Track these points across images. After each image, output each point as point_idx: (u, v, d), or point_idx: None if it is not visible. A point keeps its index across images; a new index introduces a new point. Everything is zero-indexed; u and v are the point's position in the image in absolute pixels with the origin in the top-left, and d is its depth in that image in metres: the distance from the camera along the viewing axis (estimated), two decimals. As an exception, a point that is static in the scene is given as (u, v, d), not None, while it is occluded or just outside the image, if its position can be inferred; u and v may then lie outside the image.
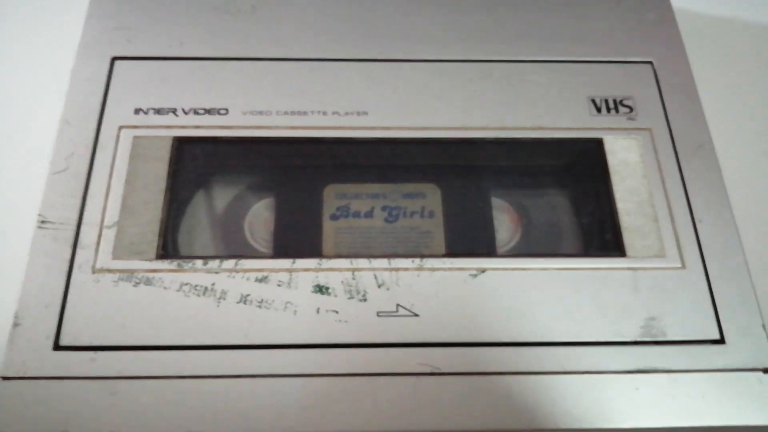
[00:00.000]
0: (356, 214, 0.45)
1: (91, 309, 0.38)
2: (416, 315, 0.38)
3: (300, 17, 0.49)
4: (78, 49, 0.47)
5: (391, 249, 0.44)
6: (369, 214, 0.45)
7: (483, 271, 0.40)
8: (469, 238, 0.44)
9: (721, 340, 0.38)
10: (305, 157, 0.46)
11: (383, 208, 0.46)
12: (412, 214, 0.45)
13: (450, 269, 0.40)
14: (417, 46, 0.48)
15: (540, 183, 0.48)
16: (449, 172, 0.47)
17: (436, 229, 0.45)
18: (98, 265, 0.39)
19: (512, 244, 0.46)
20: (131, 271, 0.39)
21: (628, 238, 0.41)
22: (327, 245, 0.44)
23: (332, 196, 0.46)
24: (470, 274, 0.40)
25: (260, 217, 0.46)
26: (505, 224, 0.46)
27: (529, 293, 0.39)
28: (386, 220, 0.45)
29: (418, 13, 0.49)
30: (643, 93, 0.46)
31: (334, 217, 0.45)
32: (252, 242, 0.45)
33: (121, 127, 0.44)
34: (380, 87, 0.46)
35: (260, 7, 0.49)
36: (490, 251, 0.44)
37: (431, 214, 0.45)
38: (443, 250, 0.44)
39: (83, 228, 0.40)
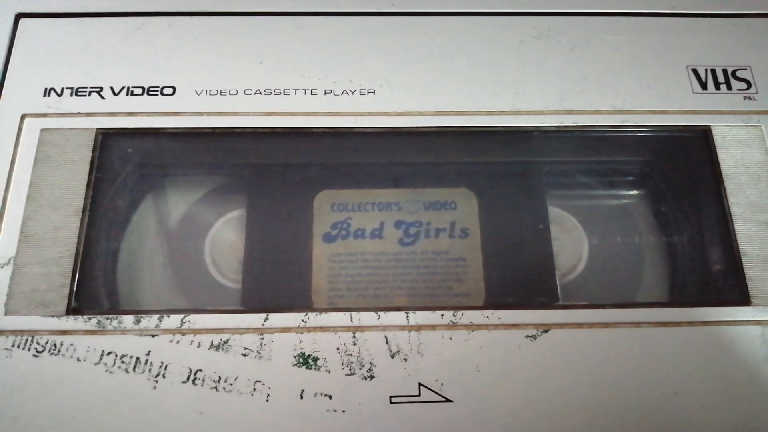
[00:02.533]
0: (359, 234, 0.32)
1: (-31, 392, 0.26)
2: (448, 400, 0.26)
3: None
4: (-31, 1, 0.33)
5: (408, 289, 0.31)
6: (377, 234, 0.32)
7: (546, 330, 0.27)
8: (522, 271, 0.31)
9: None
10: (287, 153, 0.33)
11: (397, 225, 0.33)
12: (438, 232, 0.32)
13: (497, 327, 0.27)
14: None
15: (615, 187, 0.34)
16: (488, 171, 0.33)
17: (472, 256, 0.32)
18: (-17, 324, 0.27)
19: (575, 273, 0.33)
20: (32, 333, 0.27)
21: (754, 277, 0.28)
22: (317, 283, 0.31)
23: (326, 208, 0.33)
24: (527, 335, 0.27)
25: (224, 240, 0.33)
26: (566, 245, 0.33)
27: (617, 364, 0.26)
28: (402, 242, 0.32)
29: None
30: (766, 61, 0.32)
31: (328, 238, 0.32)
32: (216, 276, 0.32)
33: (24, 116, 0.31)
34: (392, 53, 0.32)
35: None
36: (551, 295, 0.30)
37: (465, 233, 0.32)
38: (483, 289, 0.31)
39: (-37, 267, 0.28)
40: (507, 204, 0.33)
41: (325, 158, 0.33)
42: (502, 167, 0.33)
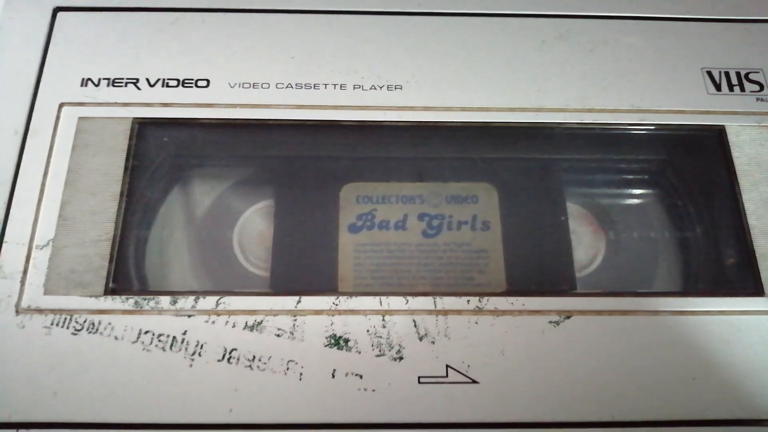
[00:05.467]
0: (384, 225, 0.33)
1: (12, 367, 0.26)
2: (474, 381, 0.27)
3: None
4: (9, -5, 0.35)
5: (432, 276, 0.32)
6: (401, 225, 0.33)
7: (568, 316, 0.28)
8: (541, 262, 0.32)
9: None
10: (315, 145, 0.34)
11: (420, 217, 0.34)
12: (460, 225, 0.33)
13: (521, 313, 0.28)
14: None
15: (632, 184, 0.35)
16: (509, 166, 0.34)
17: (493, 248, 0.33)
18: (24, 303, 0.28)
19: (593, 266, 0.34)
20: (70, 312, 0.28)
21: (767, 269, 0.29)
22: (343, 271, 0.32)
23: (351, 200, 0.34)
24: (550, 321, 0.28)
25: (253, 229, 0.34)
26: (584, 240, 0.34)
27: (635, 349, 0.27)
28: (425, 234, 0.33)
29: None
30: (778, 63, 0.34)
31: (353, 229, 0.33)
32: (244, 263, 0.33)
33: (62, 105, 0.32)
34: (419, 51, 0.34)
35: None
36: (570, 285, 0.31)
37: (486, 226, 0.33)
38: (504, 280, 0.32)
39: (4, 249, 0.29)
40: (527, 198, 0.34)
41: (351, 151, 0.34)
42: (523, 163, 0.34)
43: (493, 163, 0.34)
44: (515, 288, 0.31)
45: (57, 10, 0.34)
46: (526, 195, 0.34)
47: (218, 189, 0.34)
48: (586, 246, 0.34)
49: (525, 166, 0.34)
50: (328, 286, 0.31)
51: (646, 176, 0.35)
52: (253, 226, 0.34)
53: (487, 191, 0.34)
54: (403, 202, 0.34)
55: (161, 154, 0.32)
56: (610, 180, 0.35)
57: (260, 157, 0.34)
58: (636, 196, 0.35)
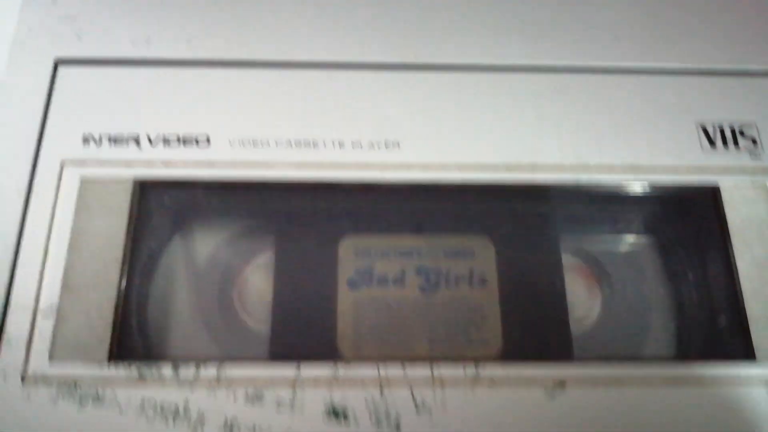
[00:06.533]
0: (382, 281, 0.34)
1: (18, 439, 0.27)
2: (470, 454, 0.27)
3: (310, 6, 0.36)
4: (10, 47, 0.35)
5: (430, 336, 0.33)
6: (399, 280, 0.34)
7: (562, 386, 0.28)
8: (537, 323, 0.33)
9: None
10: (314, 201, 0.34)
11: (418, 271, 0.34)
12: (457, 280, 0.34)
13: (516, 382, 0.29)
14: (468, 47, 0.35)
15: (627, 240, 0.36)
16: (505, 221, 0.35)
17: (489, 304, 0.33)
18: (30, 371, 0.28)
19: (589, 321, 0.34)
20: (74, 379, 0.28)
21: (759, 334, 0.30)
22: (343, 330, 0.32)
23: (350, 253, 0.34)
24: (545, 390, 0.28)
25: (252, 285, 0.34)
26: (579, 296, 0.35)
27: (629, 422, 0.28)
28: (422, 288, 0.34)
29: (468, 3, 0.36)
30: (772, 119, 0.34)
31: (352, 285, 0.34)
32: (244, 319, 0.34)
33: (64, 163, 0.32)
34: (416, 106, 0.34)
35: (256, -11, 0.37)
36: (566, 349, 0.32)
37: (482, 282, 0.34)
38: (500, 339, 0.32)
39: (9, 314, 0.29)
40: (523, 253, 0.34)
41: (350, 206, 0.34)
42: (518, 217, 0.35)
43: (489, 217, 0.35)
44: (511, 348, 0.32)
45: (58, 63, 0.34)
46: (523, 249, 0.34)
47: (217, 245, 0.35)
48: (582, 302, 0.35)
49: (521, 221, 0.35)
50: (328, 349, 0.32)
51: (641, 233, 0.35)
52: (253, 281, 0.34)
53: (483, 245, 0.35)
54: (400, 255, 0.34)
55: (163, 215, 0.33)
56: (605, 236, 0.36)
57: (260, 213, 0.35)
58: (630, 252, 0.36)
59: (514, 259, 0.34)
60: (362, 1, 0.36)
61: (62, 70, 0.34)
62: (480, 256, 0.34)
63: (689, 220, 0.34)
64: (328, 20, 0.36)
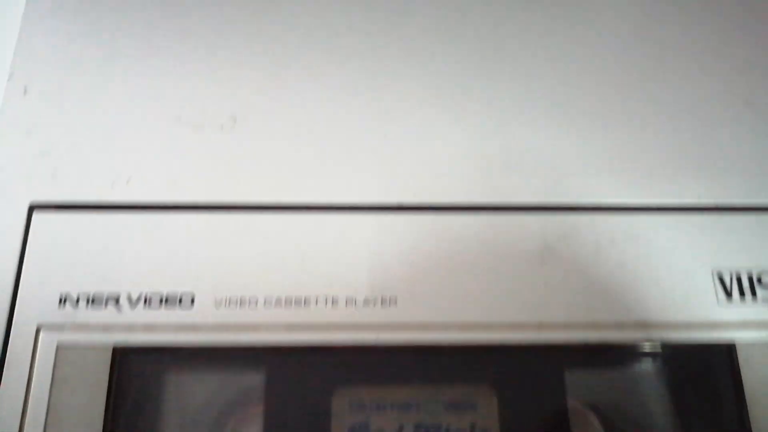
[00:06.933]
0: (379, 439, 0.32)
1: None
2: None
3: (297, 134, 0.34)
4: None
5: None
6: (397, 439, 0.32)
7: None
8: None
9: None
10: (306, 362, 0.32)
11: (417, 427, 0.32)
12: (458, 437, 0.32)
13: None
14: (472, 187, 0.33)
15: (637, 397, 0.34)
16: (509, 371, 0.33)
17: (491, 465, 0.32)
18: None
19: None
20: None
21: None
22: (339, 505, 0.31)
23: (345, 408, 0.32)
24: None
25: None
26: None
27: None
28: (421, 447, 0.32)
29: (470, 141, 0.34)
30: (792, 268, 0.32)
31: (348, 443, 0.32)
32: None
33: (39, 327, 0.30)
34: (414, 256, 0.32)
35: (243, 120, 0.34)
36: None
37: (484, 437, 0.32)
38: None
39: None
40: (527, 404, 0.33)
41: (344, 362, 0.32)
42: (523, 368, 0.33)
43: (491, 367, 0.33)
44: None
45: (33, 208, 0.32)
46: (527, 401, 0.33)
47: (203, 406, 0.33)
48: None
49: (525, 372, 0.33)
50: None
51: (653, 390, 0.34)
52: (243, 441, 0.33)
53: (486, 396, 0.33)
54: (397, 409, 0.33)
55: (145, 383, 0.31)
56: (615, 390, 0.34)
57: (248, 370, 0.33)
58: (643, 409, 0.34)
59: (518, 409, 0.32)
60: (359, 140, 0.34)
61: (37, 217, 0.32)
62: (482, 409, 0.33)
63: (703, 379, 0.32)
64: (326, 160, 0.34)
